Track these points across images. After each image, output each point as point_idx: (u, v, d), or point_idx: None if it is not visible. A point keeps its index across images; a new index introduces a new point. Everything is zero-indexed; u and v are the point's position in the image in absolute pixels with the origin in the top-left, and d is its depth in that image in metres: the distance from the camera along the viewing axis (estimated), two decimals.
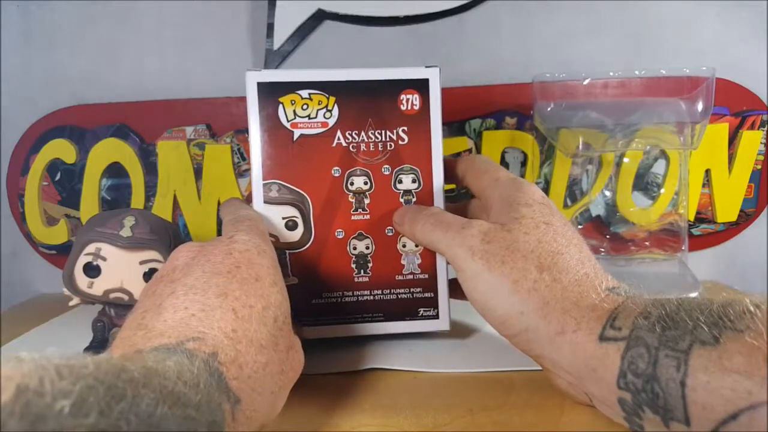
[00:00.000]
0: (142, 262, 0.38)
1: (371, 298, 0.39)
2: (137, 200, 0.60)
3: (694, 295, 0.47)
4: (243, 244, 0.29)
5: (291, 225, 0.38)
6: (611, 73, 0.52)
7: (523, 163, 0.59)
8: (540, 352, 0.30)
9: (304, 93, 0.38)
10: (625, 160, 0.56)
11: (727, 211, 0.58)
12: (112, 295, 0.38)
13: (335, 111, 0.38)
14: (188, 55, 0.60)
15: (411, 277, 0.39)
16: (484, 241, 0.31)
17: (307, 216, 0.38)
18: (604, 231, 0.56)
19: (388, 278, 0.39)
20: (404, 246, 0.39)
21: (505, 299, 0.30)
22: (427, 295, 0.40)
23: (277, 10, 0.58)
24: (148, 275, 0.38)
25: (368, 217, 0.39)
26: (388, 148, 0.39)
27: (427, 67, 0.39)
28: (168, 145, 0.59)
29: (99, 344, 0.39)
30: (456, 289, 0.41)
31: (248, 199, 0.59)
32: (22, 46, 0.60)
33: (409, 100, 0.39)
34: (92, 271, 0.38)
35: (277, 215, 0.38)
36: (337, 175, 0.39)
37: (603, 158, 0.55)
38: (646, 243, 0.54)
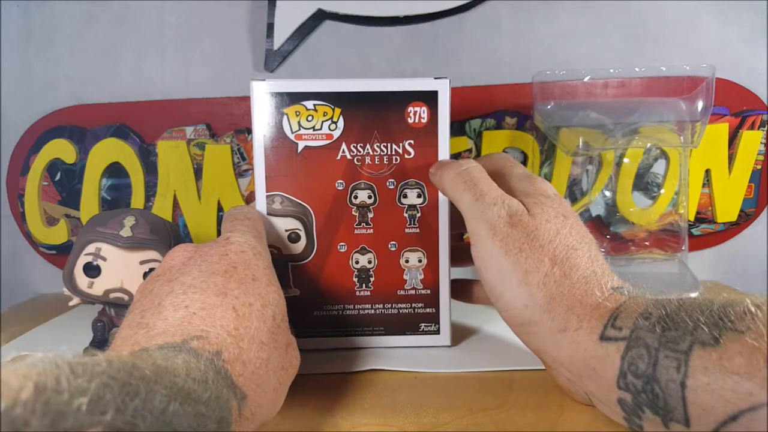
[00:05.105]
0: (142, 262, 0.38)
1: (372, 311, 0.39)
2: (137, 200, 0.60)
3: (694, 295, 0.47)
4: (239, 245, 0.29)
5: (294, 237, 0.38)
6: (611, 71, 0.52)
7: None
8: (540, 347, 0.30)
9: (309, 104, 0.37)
10: (625, 160, 0.56)
11: (727, 211, 0.58)
12: (113, 295, 0.38)
13: (340, 123, 0.38)
14: (188, 55, 0.60)
15: (413, 292, 0.39)
16: (509, 224, 0.31)
17: (309, 229, 0.38)
18: (604, 231, 0.56)
19: (390, 293, 0.39)
20: (407, 261, 0.39)
21: (513, 288, 0.30)
22: (428, 310, 0.40)
23: (277, 10, 0.58)
24: (148, 275, 0.38)
25: (371, 231, 0.39)
26: (394, 161, 0.38)
27: (436, 78, 0.38)
28: (168, 145, 0.59)
29: (99, 344, 0.39)
30: (458, 291, 0.41)
31: (249, 200, 0.59)
32: (22, 46, 0.60)
33: (417, 113, 0.38)
34: (92, 271, 0.38)
35: (280, 227, 0.38)
36: (341, 188, 0.38)
37: (603, 158, 0.55)
38: (646, 243, 0.54)
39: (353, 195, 0.38)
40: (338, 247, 0.39)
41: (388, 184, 0.38)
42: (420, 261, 0.39)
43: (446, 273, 0.39)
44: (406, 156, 0.38)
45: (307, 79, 0.38)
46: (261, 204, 0.38)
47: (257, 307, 0.27)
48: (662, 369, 0.23)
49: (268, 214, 0.38)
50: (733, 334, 0.22)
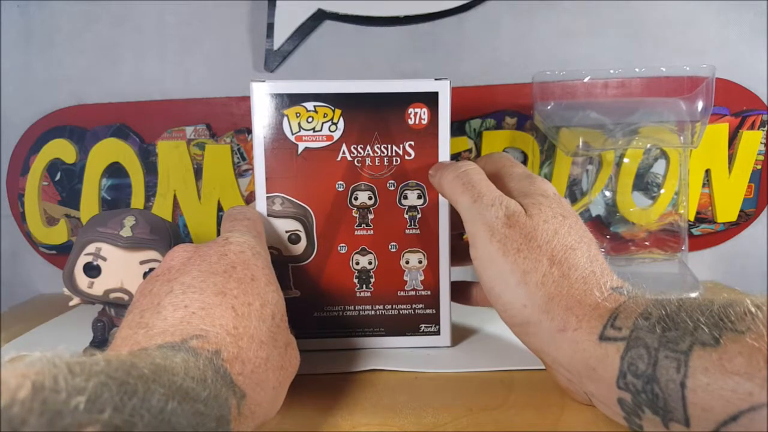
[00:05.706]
0: (142, 262, 0.38)
1: (373, 313, 0.39)
2: (137, 200, 0.60)
3: (694, 295, 0.47)
4: (238, 245, 0.29)
5: (294, 239, 0.38)
6: (611, 71, 0.52)
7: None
8: (539, 347, 0.30)
9: (310, 105, 0.37)
10: (625, 160, 0.56)
11: (727, 211, 0.58)
12: (113, 295, 0.38)
13: (341, 124, 0.38)
14: (188, 55, 0.60)
15: (413, 293, 0.39)
16: (507, 224, 0.31)
17: (310, 230, 0.38)
18: (604, 231, 0.56)
19: (391, 294, 0.39)
20: (407, 262, 0.39)
21: (512, 289, 0.30)
22: (429, 311, 0.40)
23: (277, 10, 0.58)
24: (148, 275, 0.38)
25: (372, 232, 0.39)
26: (394, 163, 0.38)
27: (436, 79, 0.38)
28: (168, 145, 0.59)
29: (99, 344, 0.39)
30: (456, 293, 0.41)
31: (249, 200, 0.59)
32: (22, 46, 0.60)
33: (417, 114, 0.38)
34: (92, 271, 0.38)
35: (281, 228, 0.38)
36: (341, 189, 0.38)
37: (603, 158, 0.55)
38: (646, 243, 0.54)
39: (353, 196, 0.38)
40: (338, 248, 0.39)
41: (388, 185, 0.38)
42: (420, 262, 0.39)
43: (446, 274, 0.39)
44: (407, 157, 0.38)
45: (307, 80, 0.38)
46: (261, 205, 0.38)
47: (256, 306, 0.27)
48: (662, 369, 0.23)
49: (269, 215, 0.38)
50: (733, 335, 0.22)
